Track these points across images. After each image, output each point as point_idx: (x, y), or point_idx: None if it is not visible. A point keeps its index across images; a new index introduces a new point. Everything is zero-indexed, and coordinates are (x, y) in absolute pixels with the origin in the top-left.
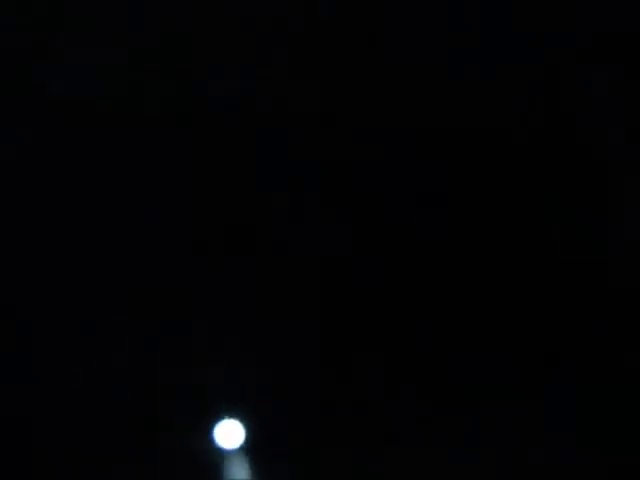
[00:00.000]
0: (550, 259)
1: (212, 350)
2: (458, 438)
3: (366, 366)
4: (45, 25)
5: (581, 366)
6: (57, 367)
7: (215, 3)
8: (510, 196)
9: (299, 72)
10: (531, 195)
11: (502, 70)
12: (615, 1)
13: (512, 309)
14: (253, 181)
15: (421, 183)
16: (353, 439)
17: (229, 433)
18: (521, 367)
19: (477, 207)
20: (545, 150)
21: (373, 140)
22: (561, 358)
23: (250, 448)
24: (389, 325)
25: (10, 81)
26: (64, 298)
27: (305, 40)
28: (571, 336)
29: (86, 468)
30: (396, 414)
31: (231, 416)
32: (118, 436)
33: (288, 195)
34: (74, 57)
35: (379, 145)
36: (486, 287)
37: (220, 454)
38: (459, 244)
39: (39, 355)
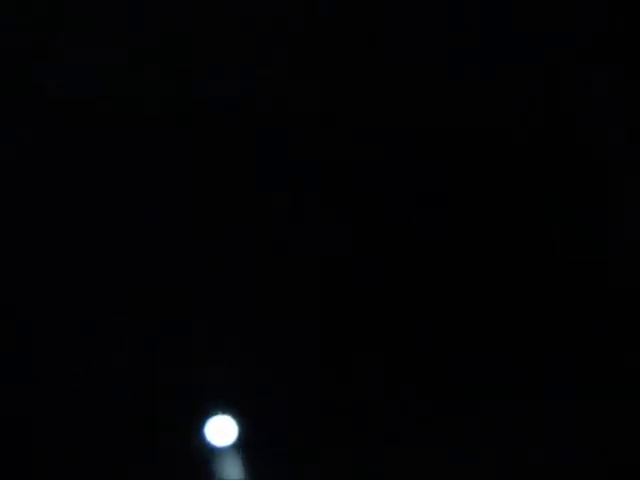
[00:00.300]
0: (550, 259)
1: (212, 350)
2: (458, 438)
3: (366, 366)
4: (45, 25)
5: (581, 366)
6: (57, 367)
7: (215, 3)
8: (510, 196)
9: (299, 72)
10: (531, 195)
11: (502, 70)
12: (615, 1)
13: (512, 309)
14: (253, 181)
15: (421, 183)
16: (353, 439)
17: (221, 430)
18: (521, 367)
19: (477, 207)
20: (545, 150)
21: (373, 140)
22: (561, 358)
23: (244, 446)
24: (389, 325)
25: (10, 81)
26: (64, 298)
27: (305, 40)
28: (571, 336)
29: (85, 468)
30: (396, 414)
31: (225, 413)
32: (114, 436)
33: (288, 195)
34: (74, 57)
35: (379, 145)
36: (486, 287)
37: (212, 452)
38: (459, 244)
39: (39, 355)
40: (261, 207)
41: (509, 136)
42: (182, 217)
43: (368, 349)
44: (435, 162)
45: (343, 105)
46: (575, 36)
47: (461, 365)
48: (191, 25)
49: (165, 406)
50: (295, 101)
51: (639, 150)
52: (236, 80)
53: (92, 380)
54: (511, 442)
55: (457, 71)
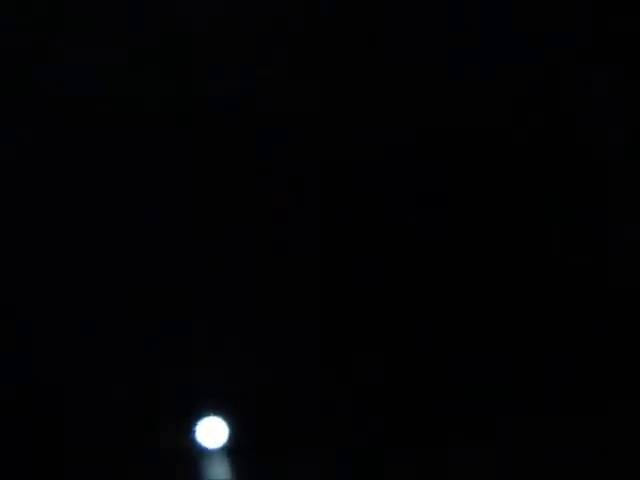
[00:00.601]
0: (550, 259)
1: (208, 351)
2: (458, 438)
3: (366, 366)
4: (45, 25)
5: (581, 366)
6: (57, 367)
7: (215, 3)
8: (510, 196)
9: (299, 72)
10: (531, 195)
11: (502, 70)
12: (615, 1)
13: (512, 309)
14: (253, 181)
15: (421, 183)
16: (353, 439)
17: (212, 432)
18: (521, 367)
19: (477, 207)
20: (545, 150)
21: (373, 140)
22: (561, 358)
23: (234, 448)
24: (389, 325)
25: (10, 81)
26: (64, 298)
27: (305, 40)
28: (571, 336)
29: (75, 468)
30: (396, 414)
31: (215, 414)
32: (105, 436)
33: (288, 195)
34: (74, 57)
35: (379, 145)
36: (486, 287)
37: (202, 453)
38: (459, 244)
39: (39, 354)
40: (261, 207)
41: (509, 136)
42: (182, 217)
43: (368, 349)
44: (435, 162)
45: (343, 105)
46: (575, 36)
47: (461, 365)
48: (191, 25)
49: (157, 407)
50: (295, 101)
51: (639, 150)
52: (236, 80)
53: (78, 382)
54: (511, 442)
55: (457, 71)
